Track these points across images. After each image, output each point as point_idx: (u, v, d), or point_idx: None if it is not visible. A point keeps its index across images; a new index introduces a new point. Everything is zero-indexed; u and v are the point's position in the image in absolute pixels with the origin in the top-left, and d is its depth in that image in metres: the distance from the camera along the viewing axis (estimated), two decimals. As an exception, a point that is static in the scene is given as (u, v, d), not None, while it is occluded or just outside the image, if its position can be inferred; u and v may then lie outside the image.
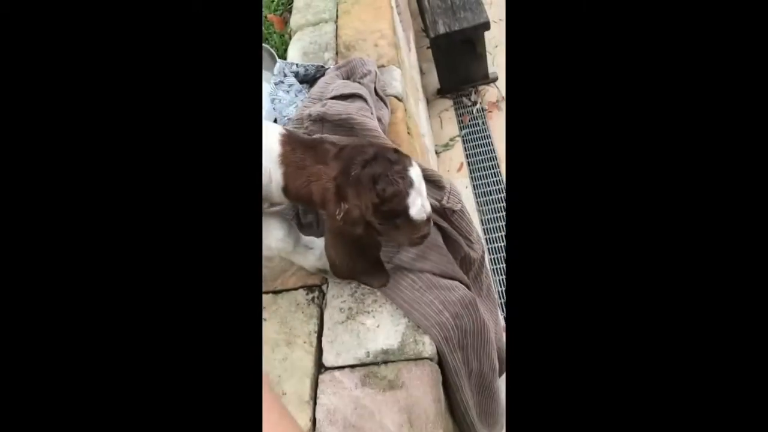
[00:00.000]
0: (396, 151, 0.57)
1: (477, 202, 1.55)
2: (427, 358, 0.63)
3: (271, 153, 0.57)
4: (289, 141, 0.58)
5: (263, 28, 1.13)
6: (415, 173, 0.55)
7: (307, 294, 0.72)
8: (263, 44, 1.04)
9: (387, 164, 0.54)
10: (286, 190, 0.58)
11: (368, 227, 0.56)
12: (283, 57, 1.03)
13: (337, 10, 1.09)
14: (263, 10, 1.16)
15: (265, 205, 0.61)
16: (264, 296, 0.73)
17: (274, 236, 0.62)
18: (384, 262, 0.68)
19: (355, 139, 0.64)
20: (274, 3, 1.18)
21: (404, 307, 0.66)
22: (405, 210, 0.54)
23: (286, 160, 0.57)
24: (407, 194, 0.53)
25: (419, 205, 0.54)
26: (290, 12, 1.14)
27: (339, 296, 0.70)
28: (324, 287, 0.72)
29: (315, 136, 0.67)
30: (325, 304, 0.70)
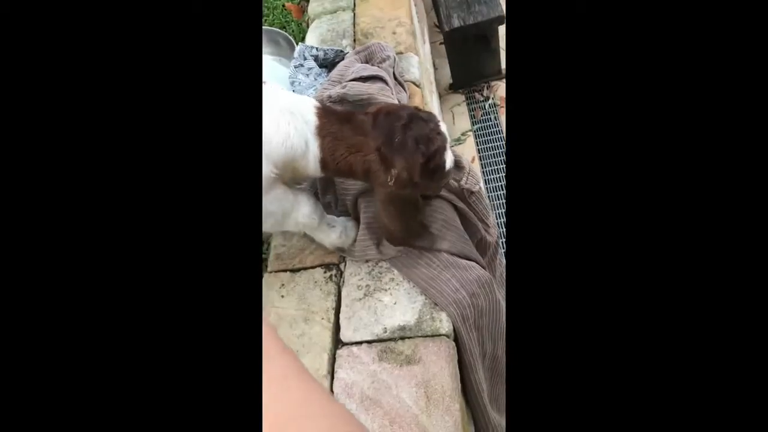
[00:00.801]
0: (419, 109, 0.60)
1: (489, 196, 1.56)
2: (443, 335, 0.64)
3: (309, 124, 0.57)
4: (325, 113, 0.58)
5: (281, 16, 1.14)
6: (444, 127, 0.59)
7: (325, 272, 0.73)
8: (282, 31, 1.06)
9: (423, 124, 0.57)
10: (323, 162, 0.58)
11: (414, 187, 0.58)
12: (302, 41, 1.04)
13: (354, 0, 1.10)
14: (281, 0, 1.18)
15: (274, 168, 0.60)
16: (282, 274, 0.74)
17: (302, 212, 0.63)
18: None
19: (381, 104, 0.64)
20: (292, -8, 1.19)
21: (421, 285, 0.67)
22: (444, 163, 0.57)
23: (323, 131, 0.57)
24: (445, 149, 0.57)
25: (451, 156, 0.58)
26: (308, 1, 1.15)
27: (356, 274, 0.71)
28: (341, 266, 0.73)
29: (341, 109, 0.67)
30: (343, 282, 0.71)
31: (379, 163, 0.56)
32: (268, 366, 0.27)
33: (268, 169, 0.56)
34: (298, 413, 0.26)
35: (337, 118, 0.58)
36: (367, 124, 0.57)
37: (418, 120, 0.57)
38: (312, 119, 0.57)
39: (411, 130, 0.56)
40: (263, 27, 1.07)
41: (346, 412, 0.28)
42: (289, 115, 0.56)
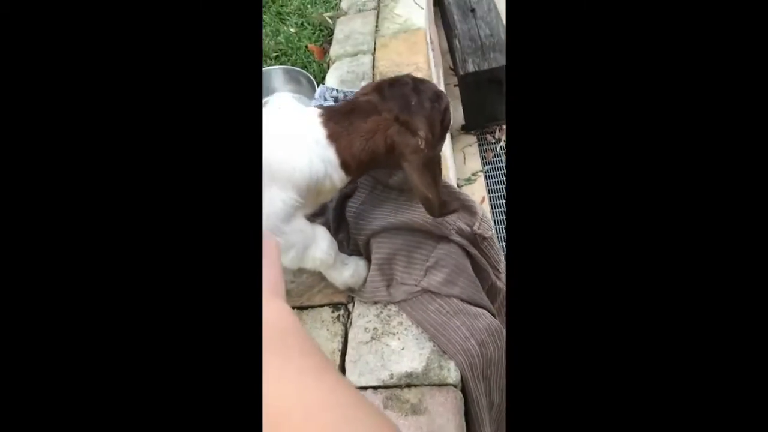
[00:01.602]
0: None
1: (498, 237, 1.55)
2: (451, 384, 0.62)
3: (319, 141, 0.57)
4: (329, 116, 0.58)
5: (303, 56, 1.19)
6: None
7: (333, 312, 0.72)
8: (303, 71, 1.10)
9: (428, 84, 0.59)
10: (345, 165, 0.57)
11: (438, 146, 0.60)
12: (321, 82, 1.08)
13: (375, 43, 1.14)
14: (304, 41, 1.23)
15: (308, 212, 0.61)
16: (289, 311, 0.73)
17: (320, 247, 0.61)
18: (411, 285, 0.69)
19: (379, 80, 0.64)
20: (315, 34, 1.25)
21: (430, 331, 0.66)
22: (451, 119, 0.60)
23: (334, 135, 0.57)
24: (449, 105, 0.60)
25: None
26: (330, 43, 1.20)
27: (364, 316, 0.70)
28: (350, 306, 0.72)
29: (342, 102, 0.66)
30: (350, 323, 0.70)
31: (403, 132, 0.56)
32: (302, 360, 0.28)
33: (291, 198, 0.56)
34: (331, 401, 0.26)
35: (342, 114, 0.58)
36: (374, 100, 0.57)
37: (421, 81, 0.58)
38: (321, 131, 0.57)
39: (422, 92, 0.57)
40: (286, 66, 1.12)
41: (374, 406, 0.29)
42: (304, 140, 0.56)
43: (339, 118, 0.58)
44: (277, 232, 0.56)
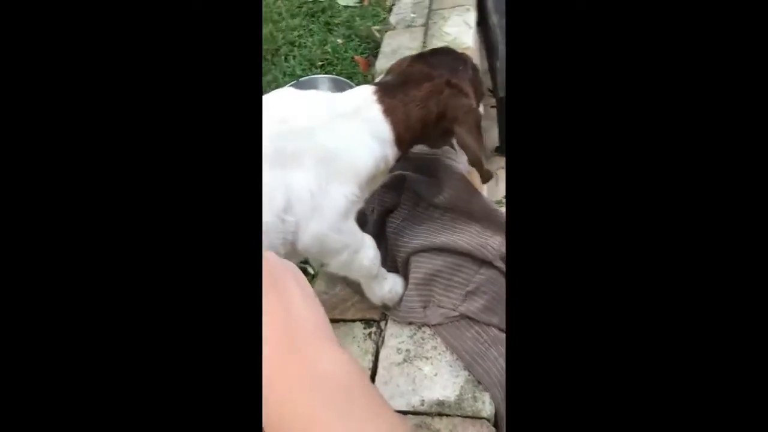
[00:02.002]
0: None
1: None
2: (485, 418, 0.59)
3: (374, 119, 0.57)
4: (383, 90, 0.59)
5: (349, 66, 1.19)
6: None
7: (365, 328, 0.70)
8: (349, 81, 1.10)
9: (461, 53, 0.68)
10: (398, 139, 0.58)
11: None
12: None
13: (421, 60, 1.14)
14: (351, 52, 1.23)
15: (357, 191, 0.57)
16: (320, 323, 0.72)
17: (367, 254, 0.60)
18: (449, 308, 0.66)
19: (416, 53, 0.70)
20: (361, 46, 1.25)
21: (466, 359, 0.63)
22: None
23: (390, 109, 0.58)
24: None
25: None
26: (375, 56, 1.21)
27: (398, 336, 0.68)
28: (382, 324, 0.70)
29: (391, 76, 0.67)
30: (383, 341, 0.68)
31: (456, 95, 0.60)
32: (371, 423, 0.26)
33: (352, 194, 0.54)
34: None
35: (396, 86, 0.60)
36: (425, 69, 0.61)
37: (455, 51, 0.67)
38: (375, 108, 0.57)
39: (463, 59, 0.65)
40: (332, 75, 1.12)
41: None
42: (358, 121, 0.56)
43: (394, 91, 0.59)
44: (335, 231, 0.54)
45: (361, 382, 0.27)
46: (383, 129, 0.57)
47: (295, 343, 0.28)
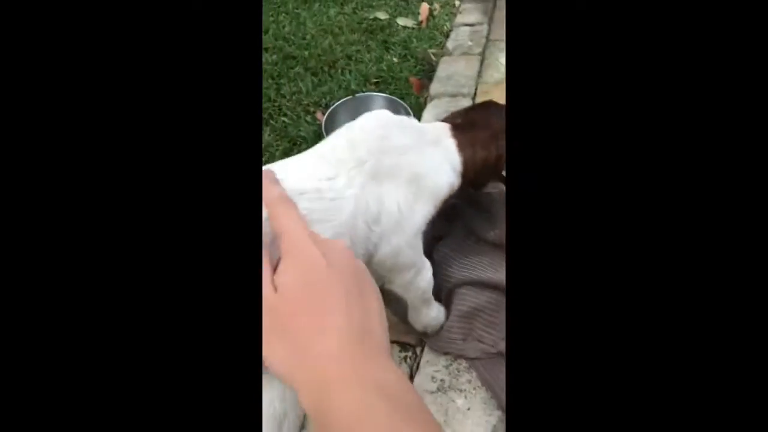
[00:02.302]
0: None
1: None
2: (516, 462, 0.59)
3: (451, 150, 0.61)
4: (456, 127, 0.64)
5: (402, 87, 1.21)
6: None
7: (401, 351, 0.71)
8: (402, 102, 1.12)
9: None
10: (465, 173, 0.63)
11: None
12: (417, 118, 1.09)
13: (476, 89, 1.15)
14: (405, 72, 1.25)
15: (433, 212, 0.60)
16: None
17: (426, 277, 0.62)
18: (488, 345, 0.67)
19: (478, 102, 0.78)
20: (416, 68, 1.27)
21: (500, 398, 0.63)
22: None
23: (461, 145, 0.62)
24: None
25: None
26: (430, 79, 1.22)
27: (433, 364, 0.68)
28: (418, 349, 0.71)
29: (460, 118, 0.72)
30: (417, 367, 0.69)
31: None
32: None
33: (429, 212, 0.57)
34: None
35: (466, 126, 0.65)
36: (487, 117, 0.67)
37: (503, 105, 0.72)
38: (451, 142, 0.62)
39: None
40: (388, 95, 1.14)
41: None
42: (440, 149, 0.61)
43: (464, 131, 0.64)
44: (410, 247, 0.57)
45: (421, 403, 0.28)
46: (456, 160, 0.62)
47: (368, 350, 0.29)
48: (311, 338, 0.30)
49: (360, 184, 0.50)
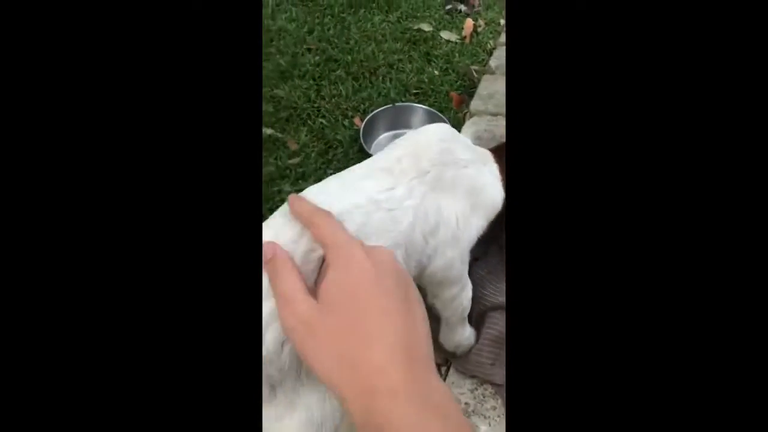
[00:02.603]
0: None
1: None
2: (538, 498, 0.57)
3: (496, 175, 0.60)
4: (497, 154, 0.62)
5: (442, 100, 1.21)
6: None
7: (426, 370, 0.70)
8: (442, 115, 1.11)
9: None
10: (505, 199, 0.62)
11: None
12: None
13: (517, 110, 1.14)
14: (446, 86, 1.25)
15: (486, 227, 0.60)
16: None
17: (467, 295, 0.61)
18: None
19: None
20: (457, 83, 1.27)
21: (526, 430, 0.62)
22: None
23: (501, 171, 0.61)
24: None
25: None
26: (471, 95, 1.22)
27: (458, 386, 0.67)
28: (443, 370, 0.70)
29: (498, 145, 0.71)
30: (442, 388, 0.68)
31: None
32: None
33: (481, 227, 0.57)
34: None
35: (503, 158, 0.63)
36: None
37: None
38: (495, 167, 0.61)
39: None
40: (429, 108, 1.14)
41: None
42: (492, 169, 0.61)
43: (502, 160, 0.63)
44: (461, 261, 0.56)
45: (467, 422, 0.29)
46: (500, 184, 0.60)
47: (416, 363, 0.29)
48: (359, 350, 0.30)
49: (420, 194, 0.49)
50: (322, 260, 0.38)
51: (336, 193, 0.46)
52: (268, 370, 0.38)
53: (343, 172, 0.51)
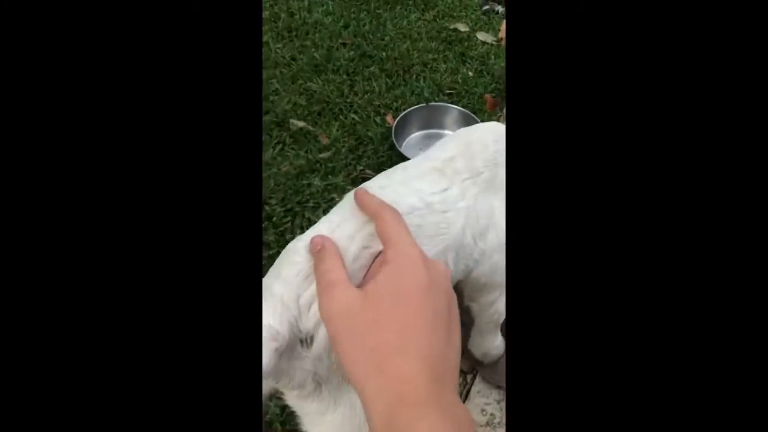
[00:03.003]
0: None
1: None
2: None
3: None
4: None
5: (476, 102, 1.19)
6: None
7: (452, 376, 0.68)
8: (475, 117, 1.09)
9: None
10: None
11: None
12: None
13: (553, 116, 1.12)
14: (480, 87, 1.23)
15: None
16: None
17: (503, 300, 0.59)
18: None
19: None
20: (492, 86, 1.25)
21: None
22: None
23: None
24: None
25: None
26: (504, 99, 1.20)
27: (484, 395, 0.66)
28: (469, 377, 0.68)
29: None
30: (468, 397, 0.66)
31: None
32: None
33: None
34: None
35: None
36: None
37: None
38: None
39: None
40: (463, 110, 1.12)
41: None
42: None
43: None
44: (496, 256, 0.54)
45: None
46: None
47: (442, 378, 0.29)
48: (392, 352, 0.30)
49: (473, 196, 0.48)
50: (374, 257, 0.38)
51: (399, 191, 0.45)
52: (316, 367, 0.38)
53: (394, 170, 0.50)
